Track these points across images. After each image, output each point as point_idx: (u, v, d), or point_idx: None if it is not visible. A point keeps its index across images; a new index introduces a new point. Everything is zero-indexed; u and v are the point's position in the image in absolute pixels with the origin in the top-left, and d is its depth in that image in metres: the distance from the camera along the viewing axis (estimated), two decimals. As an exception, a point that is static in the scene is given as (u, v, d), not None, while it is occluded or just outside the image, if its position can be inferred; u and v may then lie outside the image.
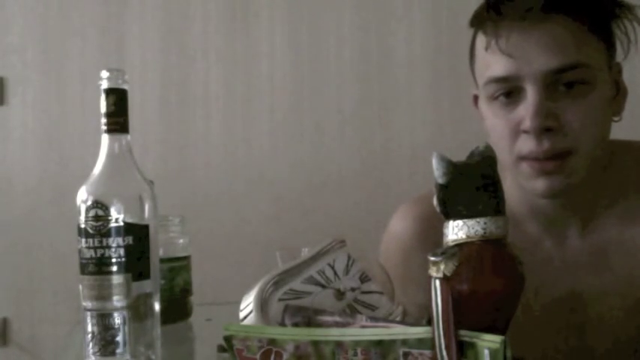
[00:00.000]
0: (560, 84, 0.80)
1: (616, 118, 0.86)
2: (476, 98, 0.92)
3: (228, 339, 0.61)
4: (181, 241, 1.08)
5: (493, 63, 0.82)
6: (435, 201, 0.59)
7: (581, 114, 0.80)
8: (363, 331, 0.59)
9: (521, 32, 0.80)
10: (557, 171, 0.81)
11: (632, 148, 0.93)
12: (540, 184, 0.82)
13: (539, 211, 0.89)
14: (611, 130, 0.87)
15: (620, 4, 0.83)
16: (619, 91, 0.87)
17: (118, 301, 0.69)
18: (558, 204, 0.88)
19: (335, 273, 0.72)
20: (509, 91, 0.82)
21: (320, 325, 0.62)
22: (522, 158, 0.82)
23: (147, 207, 0.73)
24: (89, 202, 0.70)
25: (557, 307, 0.89)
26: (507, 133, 0.83)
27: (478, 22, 0.86)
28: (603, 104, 0.83)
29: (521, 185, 0.85)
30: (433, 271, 0.57)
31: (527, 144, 0.81)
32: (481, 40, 0.85)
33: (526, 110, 0.80)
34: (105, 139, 0.73)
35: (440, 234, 0.60)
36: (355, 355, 0.58)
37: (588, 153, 0.82)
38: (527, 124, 0.80)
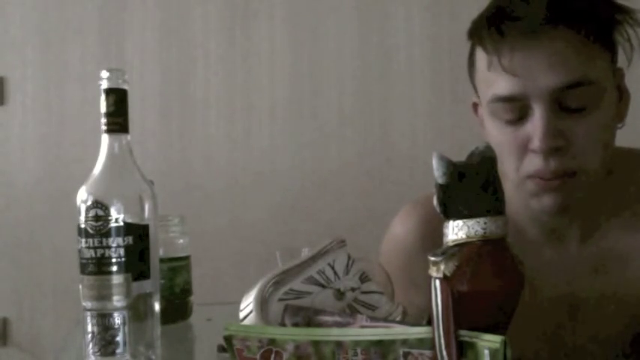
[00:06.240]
0: (566, 102, 0.79)
1: (619, 125, 0.86)
2: (475, 106, 0.91)
3: (228, 339, 0.61)
4: (181, 241, 1.08)
5: (497, 81, 0.80)
6: (435, 201, 0.59)
7: (589, 134, 0.79)
8: (363, 331, 0.59)
9: (524, 50, 0.78)
10: (562, 188, 0.81)
11: (633, 156, 0.93)
12: (546, 201, 0.82)
13: (539, 218, 0.89)
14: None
15: (621, 9, 0.83)
16: (622, 96, 0.87)
17: (118, 301, 0.69)
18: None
19: (335, 273, 0.72)
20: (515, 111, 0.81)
21: (320, 325, 0.62)
22: (529, 177, 0.82)
23: (147, 207, 0.73)
24: (89, 202, 0.70)
25: (555, 312, 0.89)
26: (514, 151, 0.82)
27: (477, 37, 0.84)
28: (609, 122, 0.83)
29: (526, 202, 0.85)
30: (433, 271, 0.57)
31: (534, 163, 0.80)
32: (481, 56, 0.83)
33: (534, 129, 0.79)
34: (105, 139, 0.73)
35: (442, 236, 0.60)
36: (355, 355, 0.58)
37: (594, 172, 0.82)
38: (535, 144, 0.79)
